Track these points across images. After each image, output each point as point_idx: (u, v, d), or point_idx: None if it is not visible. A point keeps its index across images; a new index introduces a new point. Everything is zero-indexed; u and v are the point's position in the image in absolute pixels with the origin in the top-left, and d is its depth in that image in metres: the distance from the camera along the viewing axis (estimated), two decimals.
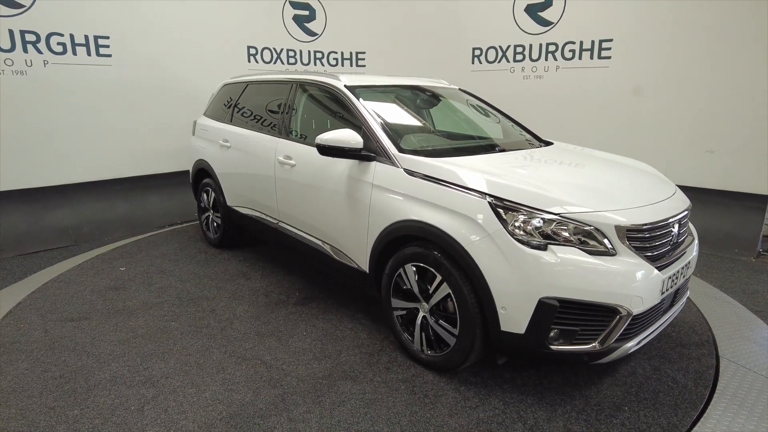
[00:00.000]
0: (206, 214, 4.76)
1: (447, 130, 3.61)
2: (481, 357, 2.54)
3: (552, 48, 5.86)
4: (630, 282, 2.22)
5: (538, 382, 2.59)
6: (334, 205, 3.13)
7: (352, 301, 3.55)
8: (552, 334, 2.25)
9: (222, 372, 2.69)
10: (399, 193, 2.70)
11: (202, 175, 4.72)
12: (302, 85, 3.64)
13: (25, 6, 4.83)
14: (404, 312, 2.79)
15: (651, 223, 2.34)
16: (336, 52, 7.24)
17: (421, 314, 2.68)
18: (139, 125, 5.74)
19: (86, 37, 5.24)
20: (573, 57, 5.73)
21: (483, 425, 2.27)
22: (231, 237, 4.57)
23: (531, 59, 6.07)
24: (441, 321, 2.56)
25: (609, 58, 5.45)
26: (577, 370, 2.68)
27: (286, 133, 3.62)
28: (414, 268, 2.65)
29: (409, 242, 2.69)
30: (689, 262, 2.60)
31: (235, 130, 4.18)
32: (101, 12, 5.24)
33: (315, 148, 3.27)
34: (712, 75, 4.83)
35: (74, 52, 5.20)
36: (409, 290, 2.71)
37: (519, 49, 6.14)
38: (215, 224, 4.65)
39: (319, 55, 7.13)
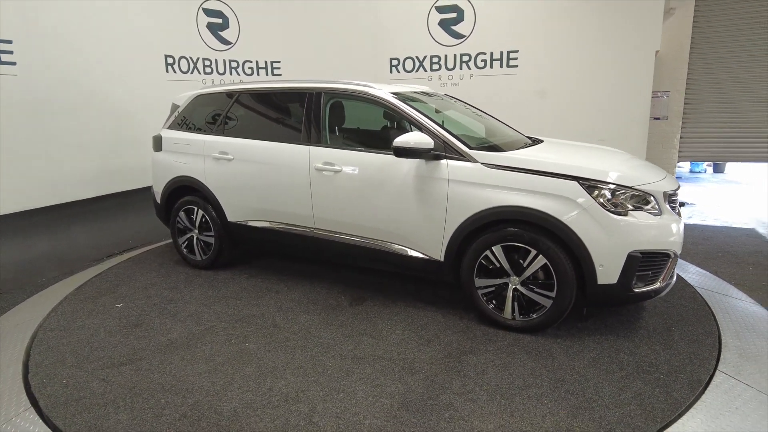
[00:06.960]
0: (188, 235, 4.38)
1: (466, 129, 4.05)
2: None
3: (466, 58, 6.71)
4: (675, 232, 2.99)
5: (603, 326, 3.23)
6: (399, 203, 3.34)
7: (401, 294, 3.77)
8: (634, 280, 2.90)
9: (351, 374, 2.74)
10: (482, 184, 3.08)
11: (181, 192, 4.34)
12: (328, 94, 3.71)
13: None
14: (491, 289, 3.18)
15: (675, 190, 3.16)
16: (251, 61, 7.07)
17: (511, 287, 3.11)
18: (52, 144, 4.92)
19: None
20: (485, 66, 6.65)
21: (598, 361, 2.81)
22: (228, 255, 4.31)
23: (447, 68, 6.85)
24: (536, 289, 3.03)
25: (516, 66, 6.50)
26: (618, 313, 3.41)
27: (317, 140, 3.66)
28: (501, 248, 3.07)
29: (492, 227, 3.09)
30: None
31: (236, 141, 3.99)
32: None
33: (365, 153, 3.49)
34: (599, 79, 6.17)
35: None
36: (497, 268, 3.11)
37: (435, 60, 6.86)
38: (202, 244, 4.32)
39: (234, 65, 6.89)
